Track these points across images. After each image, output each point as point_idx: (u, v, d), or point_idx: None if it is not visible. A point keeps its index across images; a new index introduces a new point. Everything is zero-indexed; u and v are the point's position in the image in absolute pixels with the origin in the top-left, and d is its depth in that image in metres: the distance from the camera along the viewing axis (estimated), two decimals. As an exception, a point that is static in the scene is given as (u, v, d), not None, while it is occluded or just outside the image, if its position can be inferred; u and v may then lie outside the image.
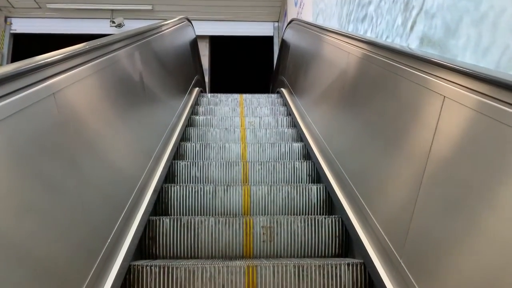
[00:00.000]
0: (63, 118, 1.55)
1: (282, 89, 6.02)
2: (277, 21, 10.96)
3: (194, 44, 6.67)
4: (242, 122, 4.59)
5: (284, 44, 6.92)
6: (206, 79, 10.10)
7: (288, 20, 8.77)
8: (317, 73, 3.83)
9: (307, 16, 7.22)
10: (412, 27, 2.82)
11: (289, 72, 5.76)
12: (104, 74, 1.98)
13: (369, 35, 3.72)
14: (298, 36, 5.37)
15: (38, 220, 1.29)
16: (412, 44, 2.79)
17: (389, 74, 2.00)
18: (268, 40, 11.18)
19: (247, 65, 13.48)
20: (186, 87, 5.02)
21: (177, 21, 4.84)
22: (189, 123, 4.52)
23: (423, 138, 1.59)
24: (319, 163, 3.18)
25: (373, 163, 2.16)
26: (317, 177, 3.29)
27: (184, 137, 4.07)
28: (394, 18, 3.16)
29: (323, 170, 3.03)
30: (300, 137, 4.09)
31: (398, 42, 3.01)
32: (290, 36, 6.17)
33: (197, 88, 5.97)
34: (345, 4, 4.82)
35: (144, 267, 1.97)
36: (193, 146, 3.72)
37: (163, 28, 3.84)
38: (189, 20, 6.06)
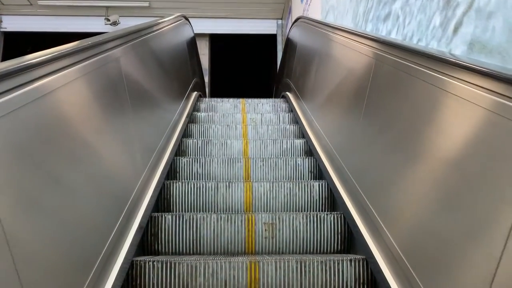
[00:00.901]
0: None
1: (288, 93, 5.53)
2: (281, 19, 10.63)
3: (192, 44, 6.18)
4: (244, 119, 4.58)
5: (289, 44, 6.31)
6: (206, 79, 9.67)
7: (293, 18, 8.16)
8: (330, 78, 3.43)
9: (315, 13, 6.63)
10: (456, 29, 2.33)
11: (296, 75, 5.27)
12: (88, 79, 1.86)
13: (394, 37, 3.21)
14: (306, 36, 4.87)
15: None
16: (456, 50, 2.32)
17: (421, 84, 1.77)
18: (271, 38, 10.88)
19: (249, 64, 13.23)
20: (182, 92, 4.59)
21: (172, 19, 4.41)
22: (189, 126, 4.51)
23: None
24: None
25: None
26: (319, 173, 3.29)
27: (185, 134, 4.06)
28: (430, 18, 2.66)
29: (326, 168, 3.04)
30: (302, 134, 4.09)
31: (435, 47, 2.56)
32: (297, 35, 5.60)
33: (195, 93, 5.54)
34: (362, 0, 4.26)
35: (147, 263, 1.98)
36: (195, 142, 3.72)
37: (154, 28, 3.41)
38: (186, 18, 5.61)
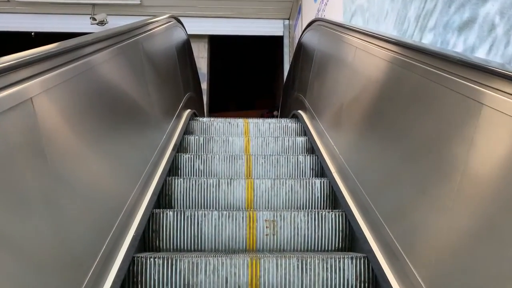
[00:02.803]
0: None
1: (302, 113, 4.42)
2: (288, 19, 9.79)
3: (184, 51, 5.03)
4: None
5: (303, 51, 5.06)
6: (204, 86, 8.62)
7: (303, 18, 7.38)
8: (381, 115, 2.28)
9: (334, 15, 5.35)
10: None
11: (313, 92, 4.15)
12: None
13: (483, 58, 2.11)
14: (331, 45, 3.69)
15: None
16: None
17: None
18: (277, 40, 10.17)
19: (252, 68, 12.73)
20: (169, 115, 3.60)
21: (157, 22, 3.52)
22: (190, 124, 4.47)
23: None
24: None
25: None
26: (321, 171, 3.29)
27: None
28: None
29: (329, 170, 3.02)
30: (304, 131, 4.08)
31: None
32: (314, 42, 4.38)
33: (188, 111, 4.50)
34: (413, -1, 2.98)
35: (148, 259, 1.98)
36: (197, 139, 3.72)
37: (125, 37, 2.52)
38: (178, 20, 4.59)
